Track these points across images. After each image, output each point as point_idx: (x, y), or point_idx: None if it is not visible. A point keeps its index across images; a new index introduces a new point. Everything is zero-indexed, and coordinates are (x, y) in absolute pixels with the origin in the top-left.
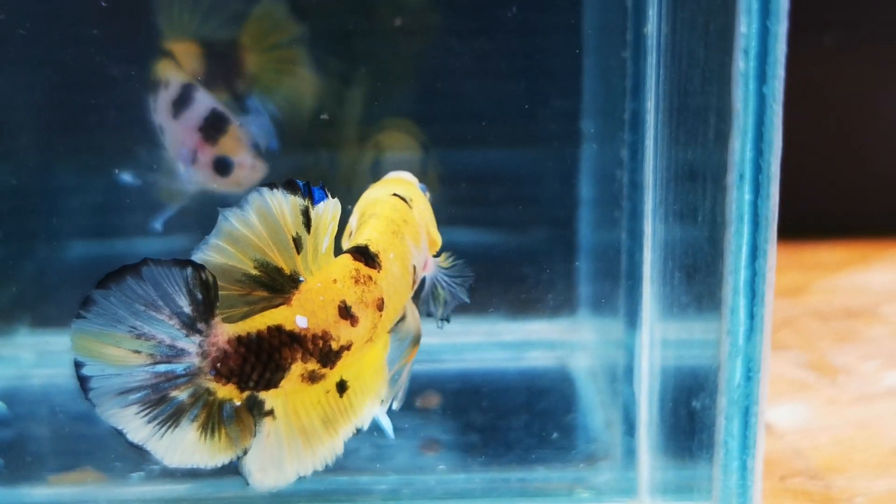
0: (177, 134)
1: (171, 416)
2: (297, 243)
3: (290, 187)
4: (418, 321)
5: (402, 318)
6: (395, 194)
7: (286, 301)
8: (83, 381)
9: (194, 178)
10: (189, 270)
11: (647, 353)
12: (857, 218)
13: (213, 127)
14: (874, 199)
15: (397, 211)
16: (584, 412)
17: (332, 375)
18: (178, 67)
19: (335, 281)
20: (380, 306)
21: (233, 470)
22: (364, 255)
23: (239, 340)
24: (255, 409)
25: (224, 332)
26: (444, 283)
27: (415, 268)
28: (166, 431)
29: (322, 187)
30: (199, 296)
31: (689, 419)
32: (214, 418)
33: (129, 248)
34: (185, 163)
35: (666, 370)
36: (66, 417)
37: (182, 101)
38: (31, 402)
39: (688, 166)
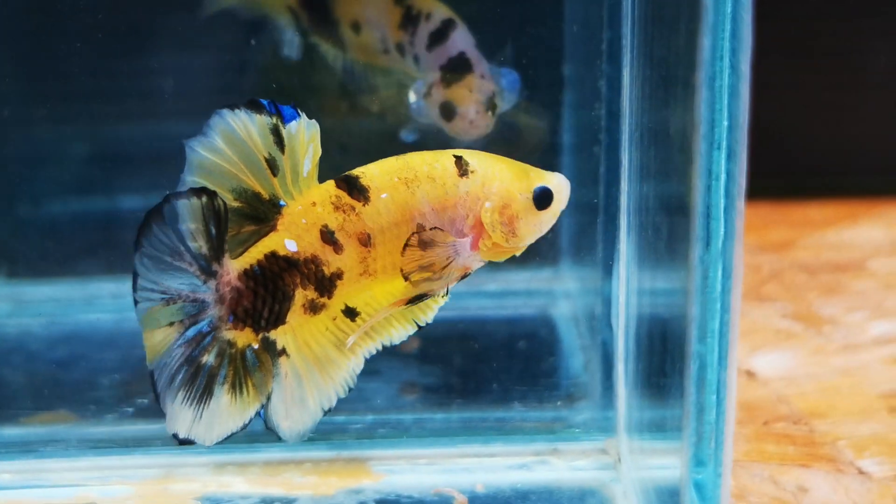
0: (426, 65)
1: (205, 388)
2: (272, 165)
3: (254, 106)
4: (440, 287)
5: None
6: (456, 155)
7: (272, 228)
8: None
9: (423, 112)
10: (204, 199)
11: (623, 300)
12: (846, 176)
13: (454, 69)
14: (864, 157)
15: (430, 166)
16: (565, 356)
17: (334, 304)
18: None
19: (314, 204)
20: (363, 241)
21: None
22: (348, 184)
23: (246, 274)
24: (270, 352)
25: (233, 269)
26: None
27: (423, 229)
28: (204, 407)
29: (294, 106)
30: (213, 230)
31: (663, 362)
32: (240, 372)
33: (106, 202)
34: (417, 95)
35: (641, 317)
36: (41, 364)
37: (438, 36)
38: (5, 351)
39: (661, 123)
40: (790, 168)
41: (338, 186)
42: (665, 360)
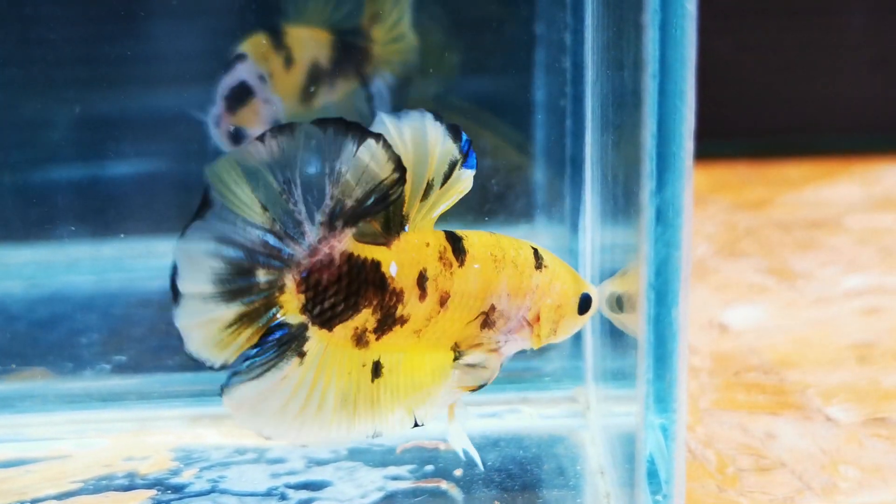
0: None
1: (235, 292)
2: (427, 190)
3: (454, 132)
4: (494, 372)
5: (474, 367)
6: (533, 247)
7: (387, 244)
8: (204, 204)
9: (218, 140)
10: (396, 175)
11: (588, 257)
12: (824, 135)
13: (235, 98)
14: (842, 116)
15: (517, 253)
16: None
17: (373, 349)
18: (266, 47)
19: (428, 245)
20: (443, 301)
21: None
22: (454, 241)
23: (348, 258)
24: (295, 342)
25: (346, 242)
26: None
27: (494, 311)
28: (214, 299)
29: (475, 156)
30: (373, 197)
31: (623, 312)
32: (259, 316)
33: (86, 169)
34: (213, 124)
35: (604, 272)
36: (22, 324)
37: (226, 69)
38: None
39: (617, 68)
40: (768, 127)
41: (447, 239)
42: (624, 311)
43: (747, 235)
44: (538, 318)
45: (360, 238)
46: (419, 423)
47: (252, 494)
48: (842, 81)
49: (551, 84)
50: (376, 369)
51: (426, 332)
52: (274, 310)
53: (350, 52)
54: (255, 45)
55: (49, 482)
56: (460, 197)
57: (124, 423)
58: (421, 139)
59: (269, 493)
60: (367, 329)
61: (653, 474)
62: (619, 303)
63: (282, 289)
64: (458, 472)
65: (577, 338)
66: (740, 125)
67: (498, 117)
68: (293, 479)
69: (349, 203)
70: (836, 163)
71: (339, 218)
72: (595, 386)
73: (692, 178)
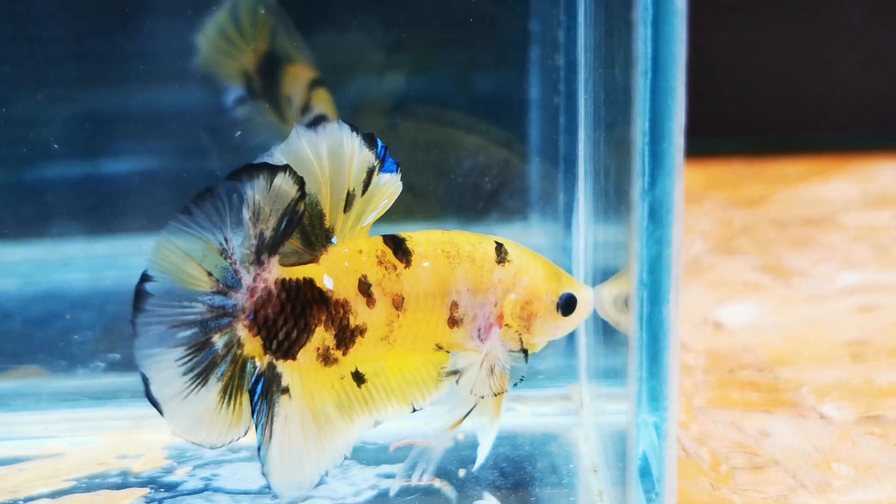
0: None
1: (204, 371)
2: (349, 201)
3: (370, 141)
4: (479, 392)
5: (460, 373)
6: (497, 241)
7: (314, 259)
8: (141, 297)
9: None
10: (297, 193)
11: (581, 255)
12: (820, 132)
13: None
14: (838, 113)
15: (473, 247)
16: None
17: (346, 362)
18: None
19: (361, 252)
20: (397, 303)
21: None
22: (395, 244)
23: (283, 284)
24: (275, 384)
25: (275, 272)
26: (498, 359)
27: (457, 308)
28: (192, 390)
29: (396, 162)
30: (283, 226)
31: (616, 311)
32: (235, 380)
33: (81, 166)
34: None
35: (597, 269)
36: (16, 322)
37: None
38: None
39: (609, 66)
40: (764, 124)
41: (385, 243)
42: (619, 309)
43: (742, 232)
44: (502, 315)
45: (286, 261)
46: (417, 408)
47: (245, 493)
48: (838, 78)
49: (545, 82)
50: (358, 377)
51: (395, 338)
52: (248, 364)
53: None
54: (321, 98)
55: (42, 480)
56: (391, 202)
57: (118, 422)
58: (337, 151)
59: (261, 492)
60: (328, 347)
61: (645, 472)
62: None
63: (239, 342)
64: (462, 473)
65: (571, 336)
66: (736, 122)
67: (491, 115)
68: None
69: (268, 234)
70: (831, 160)
71: (263, 251)
72: (588, 384)
73: (683, 176)
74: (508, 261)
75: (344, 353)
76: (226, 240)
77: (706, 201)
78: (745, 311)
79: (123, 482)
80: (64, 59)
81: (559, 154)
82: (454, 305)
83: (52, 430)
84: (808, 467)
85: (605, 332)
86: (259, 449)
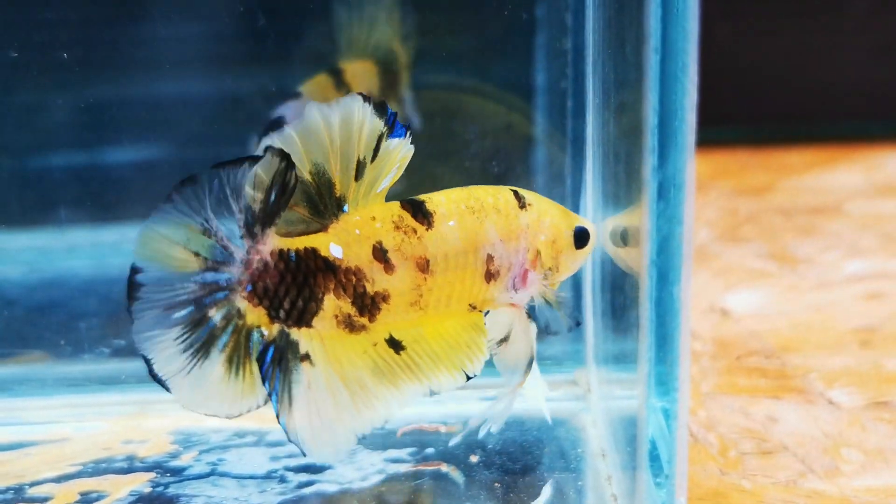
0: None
1: (204, 345)
2: (359, 169)
3: (380, 109)
4: (531, 345)
5: (507, 339)
6: (513, 189)
7: (323, 228)
8: (134, 288)
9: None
10: (282, 164)
11: None
12: (826, 121)
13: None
14: (844, 103)
15: (495, 198)
16: None
17: (377, 329)
18: (329, 86)
19: (374, 219)
20: (422, 266)
21: None
22: (413, 207)
23: (281, 255)
24: (290, 351)
25: (271, 243)
26: (546, 303)
27: (492, 261)
28: (195, 364)
29: (406, 126)
30: (273, 196)
31: (624, 298)
32: (241, 349)
33: (85, 154)
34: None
35: (605, 258)
36: (21, 309)
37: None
38: None
39: (618, 44)
40: (769, 113)
41: (402, 207)
42: (630, 291)
43: (748, 221)
44: (538, 257)
45: (291, 230)
46: (470, 375)
47: (251, 477)
48: (843, 68)
49: (552, 66)
50: (394, 344)
51: (427, 302)
52: (254, 333)
53: (389, 77)
54: (318, 85)
55: (48, 465)
56: (402, 167)
57: (123, 407)
58: (348, 120)
59: (268, 476)
60: (349, 315)
61: (654, 457)
62: (622, 237)
63: (239, 313)
64: (473, 458)
65: (579, 326)
66: (741, 111)
67: (500, 98)
68: (293, 462)
69: (257, 207)
70: (837, 149)
71: (255, 224)
72: (596, 368)
73: (694, 153)
74: (529, 204)
75: (371, 320)
76: (206, 220)
77: (712, 190)
78: (751, 299)
79: (129, 467)
80: (70, 45)
81: (567, 137)
82: (490, 259)
83: (57, 415)
84: (817, 452)
85: (613, 315)
86: (278, 416)
